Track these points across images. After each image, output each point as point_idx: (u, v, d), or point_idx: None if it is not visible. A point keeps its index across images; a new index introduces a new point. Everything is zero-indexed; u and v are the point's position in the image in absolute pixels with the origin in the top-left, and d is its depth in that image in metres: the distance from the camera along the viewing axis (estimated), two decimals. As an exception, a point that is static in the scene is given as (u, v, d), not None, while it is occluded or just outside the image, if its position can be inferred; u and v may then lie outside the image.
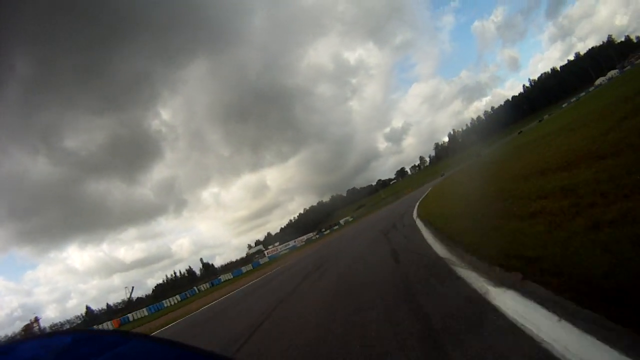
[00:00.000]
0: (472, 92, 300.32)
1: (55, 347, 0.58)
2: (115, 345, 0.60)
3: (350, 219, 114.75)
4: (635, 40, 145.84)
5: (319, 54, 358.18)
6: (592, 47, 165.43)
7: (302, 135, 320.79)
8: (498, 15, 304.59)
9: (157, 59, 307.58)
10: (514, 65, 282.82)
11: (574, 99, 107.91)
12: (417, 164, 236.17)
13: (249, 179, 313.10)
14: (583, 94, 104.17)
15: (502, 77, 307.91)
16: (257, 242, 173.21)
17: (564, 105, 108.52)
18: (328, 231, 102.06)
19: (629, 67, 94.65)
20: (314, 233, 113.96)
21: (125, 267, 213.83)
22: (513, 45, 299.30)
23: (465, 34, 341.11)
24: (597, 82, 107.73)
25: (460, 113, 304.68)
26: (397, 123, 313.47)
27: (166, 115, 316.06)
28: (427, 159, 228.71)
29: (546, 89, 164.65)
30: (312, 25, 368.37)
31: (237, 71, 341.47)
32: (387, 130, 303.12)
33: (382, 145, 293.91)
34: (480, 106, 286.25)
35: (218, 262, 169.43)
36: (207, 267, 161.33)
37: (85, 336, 0.62)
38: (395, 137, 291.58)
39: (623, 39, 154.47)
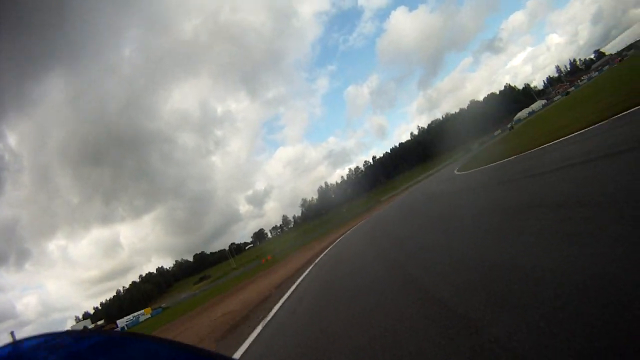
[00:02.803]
0: (337, 158, 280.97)
1: (51, 347, 0.56)
2: (113, 345, 0.59)
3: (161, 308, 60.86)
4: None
5: (186, 97, 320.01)
6: (492, 93, 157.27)
7: (159, 189, 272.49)
8: (372, 81, 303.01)
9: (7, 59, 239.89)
10: (381, 132, 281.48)
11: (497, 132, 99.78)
12: (279, 225, 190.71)
13: (99, 233, 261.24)
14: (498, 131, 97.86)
15: (367, 144, 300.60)
16: (86, 316, 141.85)
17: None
18: None
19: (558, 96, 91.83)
20: None
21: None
22: (382, 113, 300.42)
23: (337, 98, 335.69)
24: (519, 114, 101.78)
25: (323, 178, 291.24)
26: (260, 186, 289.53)
27: (12, 140, 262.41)
28: (292, 220, 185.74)
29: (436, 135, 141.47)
30: (183, 64, 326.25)
31: (96, 104, 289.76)
32: (250, 192, 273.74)
33: (244, 207, 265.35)
34: (344, 173, 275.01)
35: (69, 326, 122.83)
36: None
37: (83, 336, 0.60)
38: (257, 200, 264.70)
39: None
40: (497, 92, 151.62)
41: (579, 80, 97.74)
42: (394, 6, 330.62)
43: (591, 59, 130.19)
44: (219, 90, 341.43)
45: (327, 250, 18.13)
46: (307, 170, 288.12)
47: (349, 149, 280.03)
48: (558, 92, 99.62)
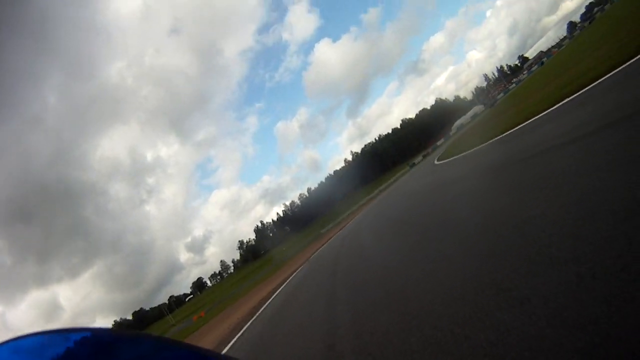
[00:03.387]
0: (273, 196, 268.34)
1: (56, 347, 0.54)
2: (115, 343, 0.58)
3: None
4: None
5: (115, 144, 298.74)
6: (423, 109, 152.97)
7: (95, 244, 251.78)
8: (302, 115, 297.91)
9: None
10: (315, 166, 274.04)
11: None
12: (218, 271, 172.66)
13: (38, 296, 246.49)
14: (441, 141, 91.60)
15: (302, 178, 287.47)
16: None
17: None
18: None
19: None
20: None
21: None
22: (314, 147, 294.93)
23: (268, 136, 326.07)
24: (459, 121, 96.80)
25: (262, 218, 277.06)
26: (199, 232, 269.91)
27: None
28: (231, 264, 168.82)
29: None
30: (110, 109, 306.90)
31: (21, 158, 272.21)
32: (189, 239, 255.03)
33: (184, 256, 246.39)
34: (280, 211, 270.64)
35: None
36: None
37: (82, 335, 0.58)
38: (197, 247, 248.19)
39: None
40: (429, 107, 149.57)
41: (510, 83, 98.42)
42: (317, 39, 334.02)
43: (516, 65, 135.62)
44: (147, 135, 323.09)
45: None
46: (244, 212, 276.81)
47: (285, 186, 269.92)
48: (499, 92, 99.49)
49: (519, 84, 77.63)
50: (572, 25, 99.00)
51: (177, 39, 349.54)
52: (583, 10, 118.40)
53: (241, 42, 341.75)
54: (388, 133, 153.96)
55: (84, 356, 0.56)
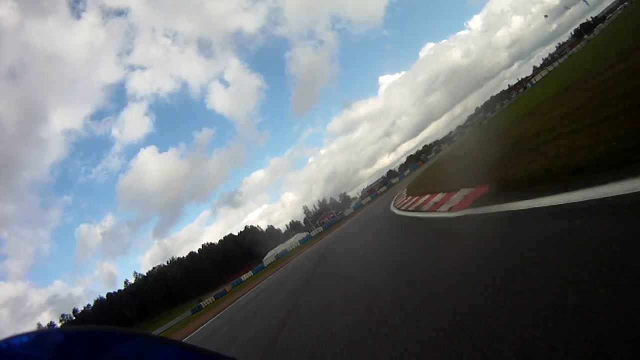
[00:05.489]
0: (62, 305, 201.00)
1: (52, 345, 0.55)
2: (116, 343, 0.58)
3: None
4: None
5: None
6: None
7: None
8: (108, 221, 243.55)
9: None
10: (111, 281, 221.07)
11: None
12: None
13: None
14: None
15: (96, 292, 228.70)
16: None
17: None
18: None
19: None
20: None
21: None
22: (114, 260, 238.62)
23: (68, 236, 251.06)
24: (275, 250, 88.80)
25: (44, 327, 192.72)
26: None
27: None
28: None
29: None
30: None
31: None
32: None
33: None
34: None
35: None
36: None
37: (85, 333, 0.59)
38: None
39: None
40: (237, 234, 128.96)
41: (338, 213, 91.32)
42: (145, 144, 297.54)
43: (337, 201, 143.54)
44: None
45: None
46: (28, 315, 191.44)
47: (77, 296, 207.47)
48: (323, 222, 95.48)
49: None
50: (389, 173, 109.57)
51: (9, 84, 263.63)
52: (403, 161, 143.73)
53: (70, 119, 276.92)
54: (181, 257, 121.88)
55: (79, 354, 0.55)
